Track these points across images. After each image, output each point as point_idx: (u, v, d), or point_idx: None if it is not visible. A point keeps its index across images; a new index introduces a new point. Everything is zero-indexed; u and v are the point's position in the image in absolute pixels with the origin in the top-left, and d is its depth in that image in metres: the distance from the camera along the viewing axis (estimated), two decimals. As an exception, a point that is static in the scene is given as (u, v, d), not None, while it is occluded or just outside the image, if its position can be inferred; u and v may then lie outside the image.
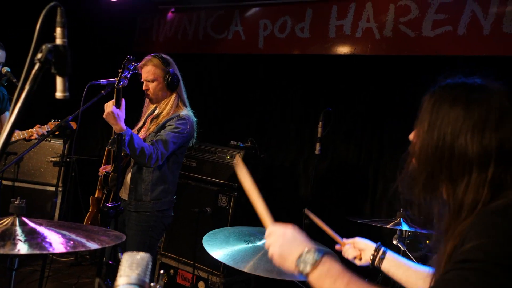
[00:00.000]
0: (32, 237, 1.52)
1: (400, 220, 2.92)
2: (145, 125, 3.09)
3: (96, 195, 3.13)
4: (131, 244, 2.86)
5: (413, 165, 1.16)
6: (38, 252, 1.44)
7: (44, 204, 4.56)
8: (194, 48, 5.13)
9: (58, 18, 1.15)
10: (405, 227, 2.86)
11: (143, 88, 3.00)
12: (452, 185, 1.09)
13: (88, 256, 4.87)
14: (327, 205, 3.93)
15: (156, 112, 3.07)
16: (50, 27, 1.13)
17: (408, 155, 1.18)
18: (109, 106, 2.73)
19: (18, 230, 1.57)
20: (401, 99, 3.75)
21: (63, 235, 1.59)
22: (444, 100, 1.12)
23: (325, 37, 4.21)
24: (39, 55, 1.04)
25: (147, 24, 5.55)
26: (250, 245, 2.14)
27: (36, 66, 1.03)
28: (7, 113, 3.80)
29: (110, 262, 2.48)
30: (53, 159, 4.60)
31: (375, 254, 1.55)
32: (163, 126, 2.92)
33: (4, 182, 4.52)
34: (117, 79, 2.79)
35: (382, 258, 1.53)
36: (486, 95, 1.09)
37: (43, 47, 1.05)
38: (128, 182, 2.96)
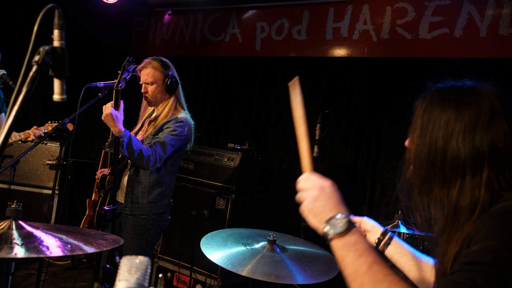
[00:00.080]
0: (29, 240, 1.51)
1: (398, 222, 2.91)
2: (143, 128, 3.08)
3: (92, 198, 3.11)
4: (127, 248, 2.85)
5: (410, 171, 1.16)
6: (35, 256, 1.43)
7: (40, 207, 4.54)
8: (191, 51, 5.12)
9: (56, 20, 1.14)
10: (403, 229, 2.85)
11: (142, 90, 2.99)
12: (446, 189, 1.09)
13: (84, 260, 4.85)
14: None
15: (154, 114, 3.06)
16: (48, 29, 1.13)
17: (405, 161, 1.19)
18: (108, 108, 2.72)
19: (15, 233, 1.55)
20: (398, 102, 3.76)
21: (60, 239, 1.58)
22: (434, 104, 1.12)
23: (322, 40, 4.22)
24: (36, 57, 1.04)
25: (143, 26, 5.54)
26: (248, 248, 2.13)
27: (34, 68, 1.03)
28: (3, 115, 3.78)
29: (108, 266, 2.46)
30: (49, 162, 4.58)
31: (381, 238, 1.49)
32: (160, 129, 2.91)
33: (0, 185, 4.50)
34: (115, 81, 2.78)
35: (387, 244, 1.48)
36: (476, 97, 1.09)
37: (41, 49, 1.05)
38: (125, 185, 2.95)
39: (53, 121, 3.66)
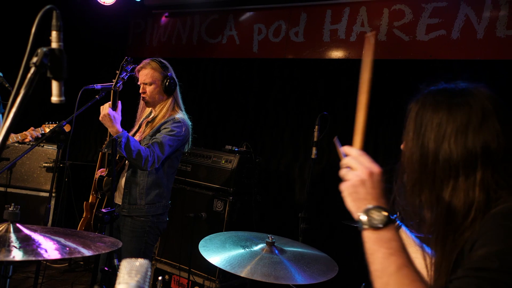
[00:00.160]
0: (27, 243, 1.50)
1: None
2: (140, 129, 3.08)
3: (89, 200, 3.10)
4: (126, 250, 2.84)
5: (405, 174, 1.17)
6: (33, 259, 1.42)
7: (37, 210, 4.52)
8: (188, 53, 5.12)
9: (54, 22, 1.13)
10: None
11: (140, 91, 2.98)
12: (438, 190, 1.09)
13: (82, 262, 4.83)
14: (323, 209, 3.92)
15: (151, 115, 3.05)
16: (46, 31, 1.12)
17: (401, 165, 1.19)
18: (105, 108, 2.71)
19: (13, 236, 1.55)
20: (395, 103, 3.76)
21: (58, 242, 1.57)
22: (427, 107, 1.13)
23: (319, 41, 4.22)
24: (34, 59, 1.03)
25: (140, 28, 5.54)
26: (247, 250, 2.13)
27: (32, 70, 1.02)
28: (0, 117, 3.77)
29: (106, 269, 2.44)
30: (46, 164, 4.56)
31: None
32: (158, 130, 2.90)
33: (-4, 188, 4.48)
34: (112, 83, 2.77)
35: None
36: (468, 98, 1.09)
37: (39, 50, 1.04)
38: (123, 186, 2.94)
39: (50, 122, 3.65)
